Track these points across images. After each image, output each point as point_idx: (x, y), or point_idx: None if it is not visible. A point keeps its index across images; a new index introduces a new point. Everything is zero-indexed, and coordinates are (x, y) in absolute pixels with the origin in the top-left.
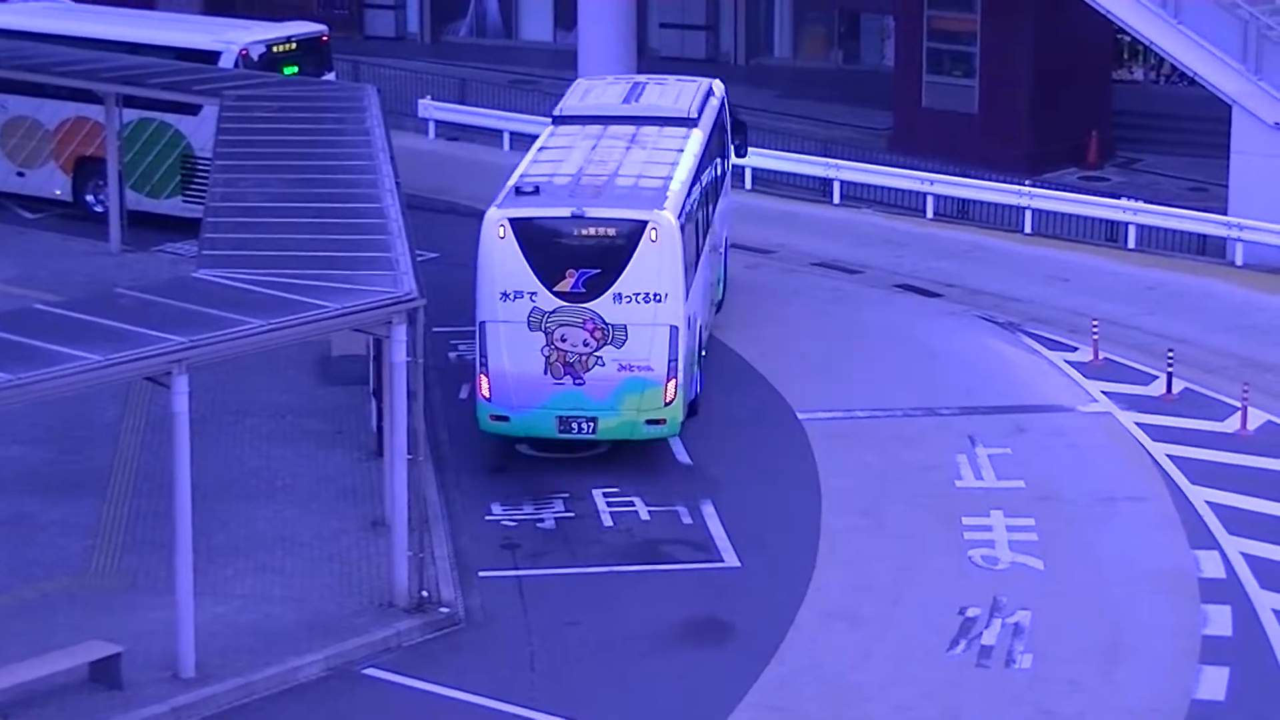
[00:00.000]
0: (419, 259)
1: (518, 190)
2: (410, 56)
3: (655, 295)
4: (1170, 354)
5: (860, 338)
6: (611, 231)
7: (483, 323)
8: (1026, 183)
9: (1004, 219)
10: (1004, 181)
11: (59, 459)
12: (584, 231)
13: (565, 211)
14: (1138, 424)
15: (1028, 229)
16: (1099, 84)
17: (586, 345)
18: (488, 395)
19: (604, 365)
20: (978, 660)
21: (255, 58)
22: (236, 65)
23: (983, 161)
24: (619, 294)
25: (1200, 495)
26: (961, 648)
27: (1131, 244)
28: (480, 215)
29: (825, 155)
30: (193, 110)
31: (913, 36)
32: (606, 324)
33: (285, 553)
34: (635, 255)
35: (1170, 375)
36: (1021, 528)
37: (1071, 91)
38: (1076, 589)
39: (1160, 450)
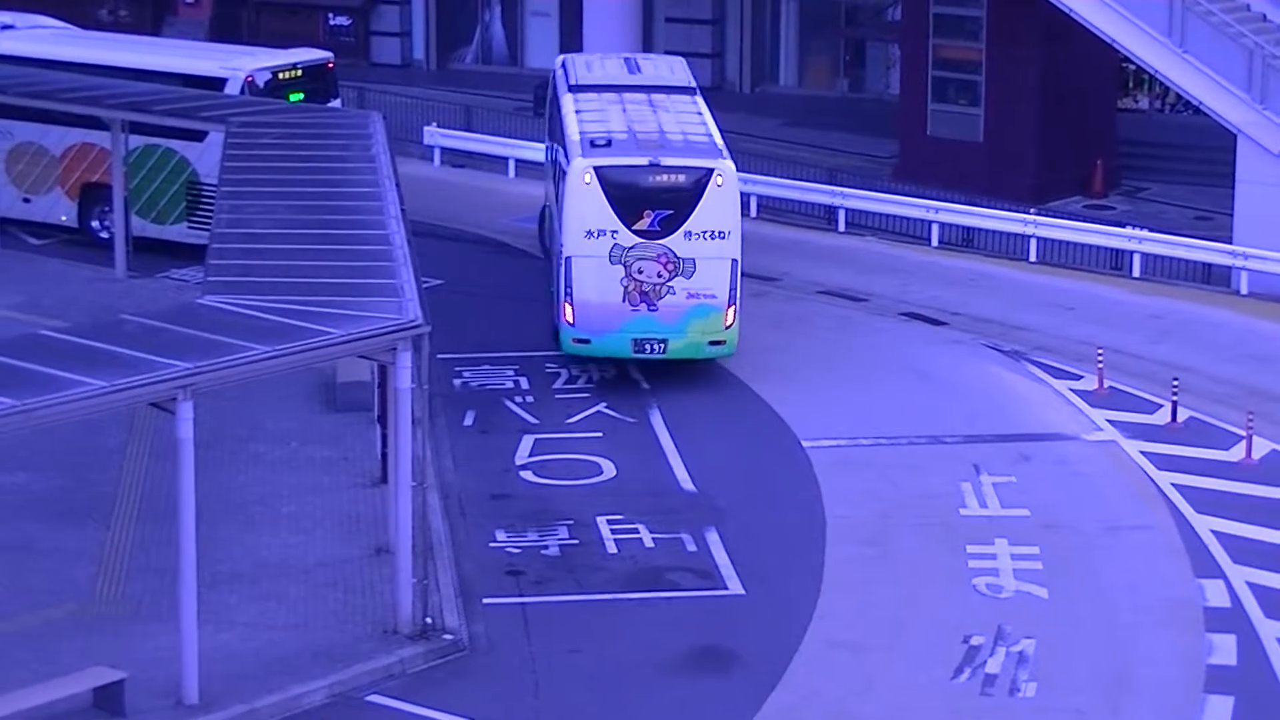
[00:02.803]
0: (424, 285)
1: (592, 143)
2: (416, 83)
3: (720, 233)
4: (1175, 383)
5: (865, 366)
6: (682, 178)
7: (568, 258)
8: (1032, 211)
9: (1009, 247)
10: (1009, 210)
11: (64, 485)
12: (658, 178)
13: (643, 160)
14: (1143, 452)
15: (1033, 257)
16: (1104, 112)
17: (660, 276)
18: (571, 321)
19: (675, 294)
20: (982, 689)
21: (261, 84)
22: (242, 92)
23: (988, 190)
24: (689, 231)
25: (1205, 524)
26: (966, 676)
27: (1137, 273)
28: (484, 242)
29: (830, 183)
30: (198, 136)
31: (918, 65)
32: (678, 258)
33: (289, 579)
34: (704, 198)
35: (1175, 404)
36: (1026, 556)
37: (1077, 120)
38: (1081, 618)
39: (1165, 479)
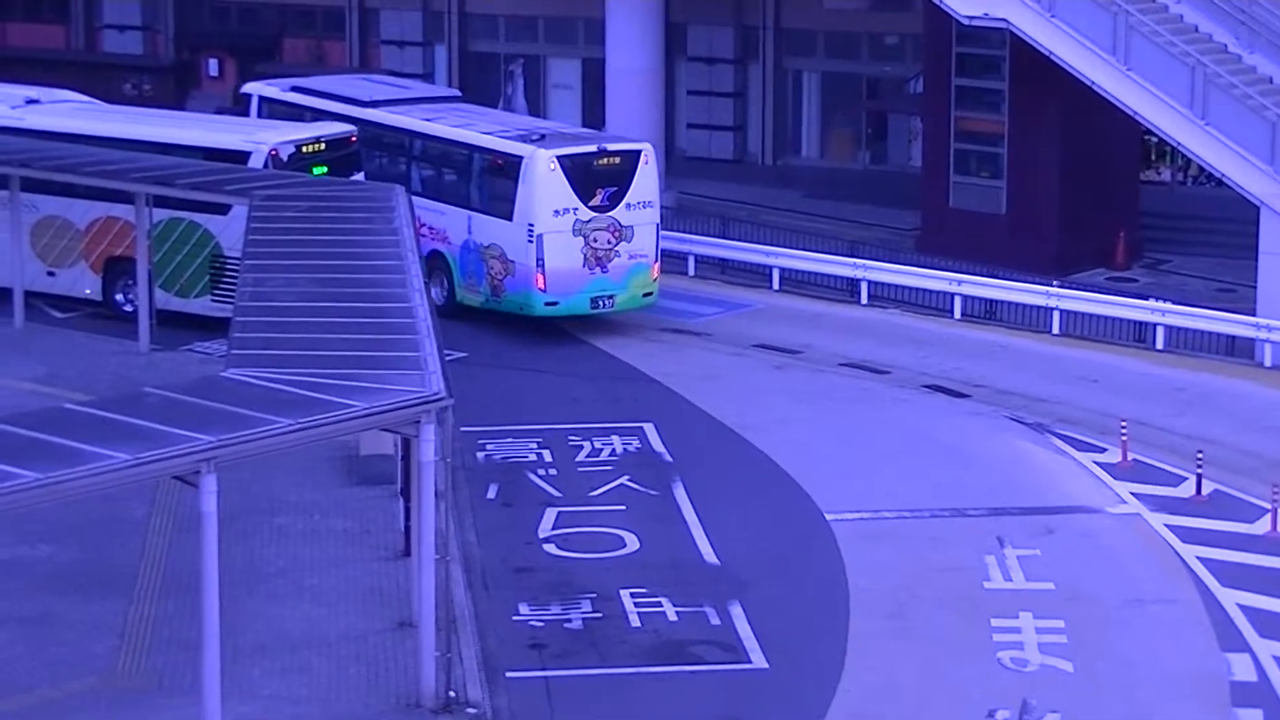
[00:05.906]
0: (447, 358)
1: (527, 139)
2: None
3: (648, 203)
4: (1199, 455)
5: (888, 438)
6: (618, 160)
7: (540, 235)
8: (1054, 283)
9: (1032, 319)
10: (1032, 282)
11: (86, 558)
12: (603, 161)
13: (592, 147)
14: (1167, 525)
15: (1056, 330)
16: (1127, 185)
17: (609, 243)
18: (543, 288)
19: (620, 256)
20: None
21: (284, 158)
22: (266, 165)
23: (1010, 262)
24: (629, 203)
25: (1231, 597)
26: None
27: (1160, 345)
28: (508, 314)
29: (852, 255)
30: (222, 210)
31: (940, 137)
32: (622, 226)
33: (312, 653)
34: (637, 174)
35: (1200, 477)
36: (1050, 629)
37: (1099, 192)
38: (1106, 691)
39: (1190, 552)
